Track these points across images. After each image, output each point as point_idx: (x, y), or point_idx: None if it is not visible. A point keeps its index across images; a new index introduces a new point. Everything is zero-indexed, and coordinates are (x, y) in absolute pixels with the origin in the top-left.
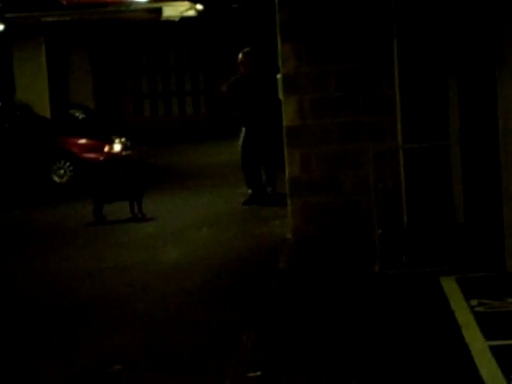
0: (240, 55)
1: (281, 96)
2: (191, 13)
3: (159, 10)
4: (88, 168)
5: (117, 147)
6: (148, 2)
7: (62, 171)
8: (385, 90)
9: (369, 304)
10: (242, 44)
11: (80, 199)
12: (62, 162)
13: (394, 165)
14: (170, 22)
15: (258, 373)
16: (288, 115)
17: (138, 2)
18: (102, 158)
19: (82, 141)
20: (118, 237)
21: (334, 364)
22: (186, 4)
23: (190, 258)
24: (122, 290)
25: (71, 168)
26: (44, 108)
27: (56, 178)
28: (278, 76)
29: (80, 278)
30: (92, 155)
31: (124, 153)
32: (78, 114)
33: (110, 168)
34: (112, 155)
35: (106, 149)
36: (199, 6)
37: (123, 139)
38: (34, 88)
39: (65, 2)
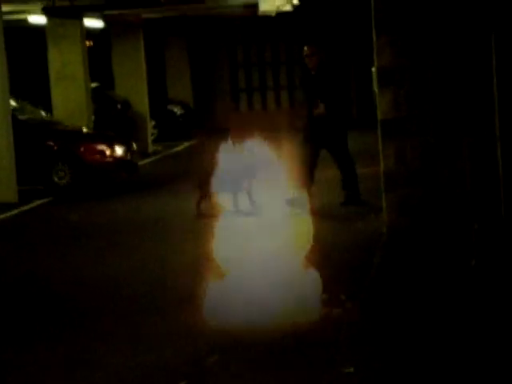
0: (305, 48)
1: (375, 88)
2: (287, 8)
3: (256, 6)
4: (91, 170)
5: (119, 151)
6: None
7: (62, 173)
8: (482, 81)
9: (465, 300)
10: (338, 38)
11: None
12: (65, 164)
13: (491, 157)
14: (266, 17)
15: (351, 369)
16: (383, 108)
17: None
18: (104, 161)
19: (89, 145)
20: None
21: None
22: None
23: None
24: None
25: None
26: (143, 104)
27: (56, 179)
28: (373, 69)
29: (184, 269)
30: (96, 158)
31: (128, 157)
32: (176, 110)
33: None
34: (115, 158)
35: (108, 152)
36: (295, 1)
37: (131, 143)
38: (132, 84)
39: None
